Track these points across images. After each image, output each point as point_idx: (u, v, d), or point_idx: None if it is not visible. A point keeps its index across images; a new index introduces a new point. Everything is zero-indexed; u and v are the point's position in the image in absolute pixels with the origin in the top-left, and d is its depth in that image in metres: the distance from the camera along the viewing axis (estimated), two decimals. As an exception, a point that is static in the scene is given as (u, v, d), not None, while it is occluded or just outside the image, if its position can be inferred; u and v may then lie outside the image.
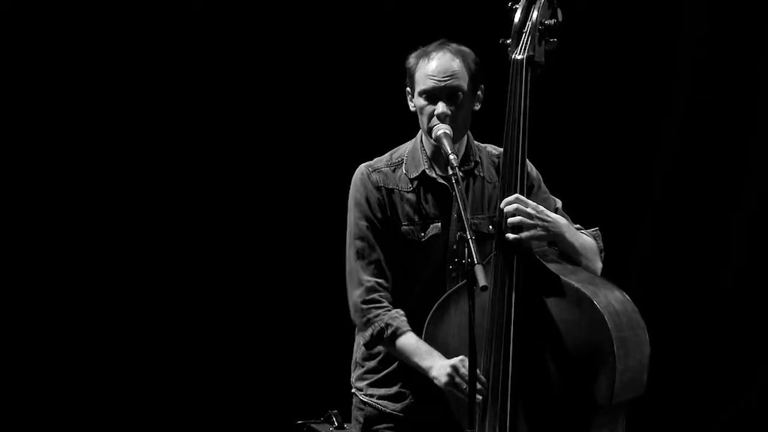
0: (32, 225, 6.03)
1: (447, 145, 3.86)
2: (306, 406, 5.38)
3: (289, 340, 6.16)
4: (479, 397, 3.79)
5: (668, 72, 6.01)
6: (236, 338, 6.21)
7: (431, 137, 3.94)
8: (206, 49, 6.10)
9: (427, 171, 4.03)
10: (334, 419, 5.12)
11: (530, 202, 3.83)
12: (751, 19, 5.88)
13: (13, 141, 5.97)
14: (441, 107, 3.92)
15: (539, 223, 3.81)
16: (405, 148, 4.11)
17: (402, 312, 3.98)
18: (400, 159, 4.08)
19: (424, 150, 4.05)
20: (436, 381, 3.86)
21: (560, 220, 3.89)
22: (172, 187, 6.14)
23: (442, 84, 3.92)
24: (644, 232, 6.07)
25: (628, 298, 3.84)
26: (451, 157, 3.82)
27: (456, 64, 3.93)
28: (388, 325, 3.95)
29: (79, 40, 5.97)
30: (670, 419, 5.98)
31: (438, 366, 3.85)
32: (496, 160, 4.08)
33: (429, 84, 3.93)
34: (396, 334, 3.95)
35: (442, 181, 4.03)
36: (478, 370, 3.76)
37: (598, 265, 4.00)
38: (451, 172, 3.81)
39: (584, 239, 3.97)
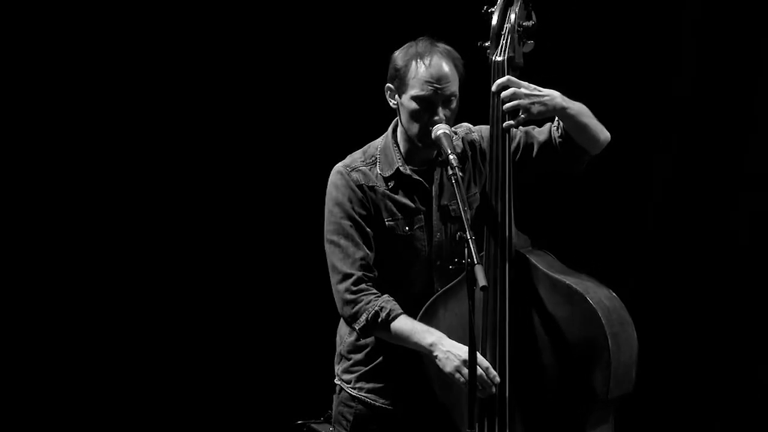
0: (32, 225, 6.02)
1: (447, 146, 3.86)
2: (306, 406, 5.38)
3: (289, 340, 6.15)
4: (486, 392, 3.81)
5: (667, 70, 6.00)
6: (235, 339, 6.21)
7: (428, 139, 3.93)
8: (195, 48, 6.09)
9: (401, 168, 4.04)
10: (335, 419, 5.13)
11: (522, 82, 3.84)
12: (750, 18, 5.86)
13: (13, 141, 5.96)
14: (440, 114, 3.93)
15: (536, 100, 3.83)
16: (376, 146, 4.11)
17: (392, 298, 3.98)
18: (373, 158, 4.08)
19: (397, 146, 4.06)
20: (438, 363, 3.86)
21: (554, 92, 3.87)
22: (169, 188, 6.13)
23: (440, 92, 3.92)
24: (644, 231, 6.06)
25: (616, 295, 3.86)
26: (451, 157, 3.83)
27: (449, 69, 3.94)
28: (382, 308, 3.94)
29: (79, 40, 5.97)
30: (668, 420, 5.99)
31: (445, 350, 3.84)
32: (460, 142, 4.10)
33: (427, 90, 3.92)
34: (390, 316, 3.93)
35: (417, 177, 4.05)
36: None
37: (607, 133, 4.01)
38: (451, 172, 3.82)
39: (582, 105, 3.95)
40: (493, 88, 3.86)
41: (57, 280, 6.08)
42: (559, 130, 4.01)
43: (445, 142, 3.87)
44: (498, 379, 3.82)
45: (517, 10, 3.87)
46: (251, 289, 6.23)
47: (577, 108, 3.92)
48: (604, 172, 5.85)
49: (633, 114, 5.86)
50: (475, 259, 3.62)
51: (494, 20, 3.90)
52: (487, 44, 3.91)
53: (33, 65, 5.95)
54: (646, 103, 5.94)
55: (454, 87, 3.94)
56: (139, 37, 6.03)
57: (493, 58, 3.89)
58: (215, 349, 6.23)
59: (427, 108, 3.94)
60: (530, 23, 3.88)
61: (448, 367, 3.83)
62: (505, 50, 3.88)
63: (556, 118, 4.00)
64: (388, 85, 4.02)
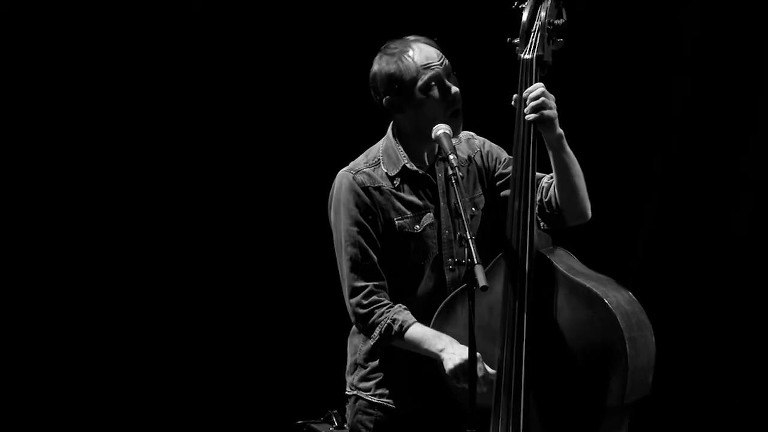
0: (32, 225, 6.02)
1: (447, 146, 3.85)
2: (306, 406, 5.37)
3: (289, 340, 6.16)
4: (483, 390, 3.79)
5: (669, 70, 6.01)
6: (236, 339, 6.21)
7: (456, 106, 3.94)
8: (200, 55, 6.10)
9: (407, 165, 4.03)
10: (334, 419, 5.10)
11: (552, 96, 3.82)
12: (750, 18, 5.88)
13: (13, 141, 5.95)
14: (454, 86, 3.93)
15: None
16: (378, 149, 4.09)
17: (404, 306, 3.97)
18: (376, 159, 4.06)
19: (399, 146, 4.05)
20: (444, 364, 3.84)
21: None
22: (171, 189, 6.14)
23: (441, 66, 3.94)
24: (644, 231, 6.07)
25: (635, 299, 3.84)
26: (451, 157, 3.81)
27: (432, 47, 3.97)
28: (394, 320, 3.93)
29: (79, 40, 5.96)
30: (672, 420, 5.99)
31: (451, 351, 3.83)
32: (464, 145, 4.11)
33: (430, 72, 3.92)
34: (404, 327, 3.92)
35: (424, 173, 4.04)
36: (490, 368, 3.81)
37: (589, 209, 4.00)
38: (450, 172, 3.80)
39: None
40: (525, 93, 3.83)
41: (58, 281, 6.07)
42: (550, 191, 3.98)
43: (445, 142, 3.86)
44: (493, 372, 3.82)
45: (548, 8, 3.84)
46: (252, 290, 6.23)
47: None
48: (603, 171, 5.88)
49: (633, 114, 5.88)
50: (475, 259, 3.61)
51: (524, 17, 3.87)
52: (516, 41, 3.88)
53: (33, 66, 5.95)
54: (646, 102, 5.96)
55: (447, 60, 3.96)
56: (147, 42, 6.05)
57: (522, 56, 3.85)
58: (216, 350, 6.23)
59: (440, 88, 3.93)
60: (561, 21, 3.84)
61: (450, 365, 3.82)
62: (534, 48, 3.84)
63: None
64: (387, 98, 3.99)
